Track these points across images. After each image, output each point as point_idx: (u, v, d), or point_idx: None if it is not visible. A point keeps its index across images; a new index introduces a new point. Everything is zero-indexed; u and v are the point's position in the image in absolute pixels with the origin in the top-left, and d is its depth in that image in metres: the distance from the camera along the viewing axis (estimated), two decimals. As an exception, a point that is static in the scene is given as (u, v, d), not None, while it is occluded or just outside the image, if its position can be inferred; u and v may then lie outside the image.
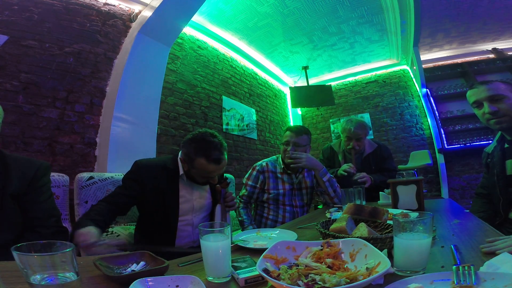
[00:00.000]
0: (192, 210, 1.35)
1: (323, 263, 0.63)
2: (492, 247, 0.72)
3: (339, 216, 0.94)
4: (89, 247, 0.88)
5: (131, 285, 0.55)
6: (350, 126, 2.12)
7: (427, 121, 4.61)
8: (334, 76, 5.33)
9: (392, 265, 0.64)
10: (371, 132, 4.99)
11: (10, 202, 0.95)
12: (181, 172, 1.32)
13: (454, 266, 0.54)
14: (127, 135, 2.30)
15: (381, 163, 2.23)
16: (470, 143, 4.23)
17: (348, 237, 0.72)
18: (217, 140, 1.23)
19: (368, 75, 5.21)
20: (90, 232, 0.94)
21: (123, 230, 1.47)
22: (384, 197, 1.84)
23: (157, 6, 2.41)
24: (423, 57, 4.51)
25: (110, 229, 1.42)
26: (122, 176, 1.38)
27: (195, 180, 1.32)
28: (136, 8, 2.70)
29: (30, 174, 1.01)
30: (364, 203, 1.55)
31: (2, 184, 0.94)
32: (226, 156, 1.26)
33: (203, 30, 3.54)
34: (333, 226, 0.87)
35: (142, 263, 0.75)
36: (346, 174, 2.06)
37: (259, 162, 1.95)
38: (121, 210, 1.25)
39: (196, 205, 1.37)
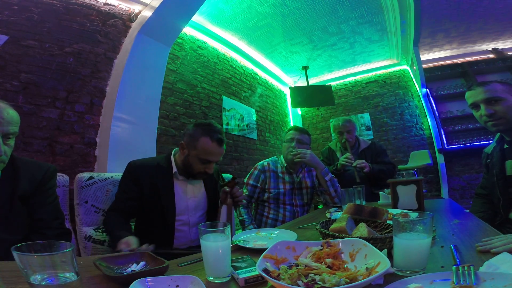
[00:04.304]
0: (187, 209, 1.35)
1: (323, 263, 0.63)
2: (487, 246, 0.72)
3: (339, 216, 0.94)
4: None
5: (131, 285, 0.55)
6: (338, 122, 2.41)
7: (427, 121, 4.61)
8: (334, 76, 5.33)
9: (392, 265, 0.64)
10: (371, 132, 5.00)
11: (19, 204, 0.97)
12: (174, 170, 1.34)
13: (454, 266, 0.54)
14: (127, 135, 2.30)
15: (376, 157, 2.35)
16: (470, 143, 4.24)
17: (348, 237, 0.72)
18: (220, 127, 1.34)
19: (368, 75, 5.21)
20: (130, 240, 1.00)
21: (123, 230, 1.47)
22: (384, 197, 1.84)
23: (157, 6, 2.41)
24: (423, 57, 4.51)
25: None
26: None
27: (191, 170, 1.31)
28: (136, 8, 2.70)
29: (38, 177, 1.03)
30: (364, 203, 1.56)
31: (12, 186, 0.96)
32: (224, 146, 1.34)
33: (203, 30, 3.54)
34: (333, 226, 0.87)
35: (142, 263, 0.75)
36: (346, 163, 2.21)
37: (261, 162, 1.97)
38: (131, 215, 1.31)
39: (190, 204, 1.37)
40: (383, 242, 0.71)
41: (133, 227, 1.46)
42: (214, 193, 1.46)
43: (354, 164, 2.18)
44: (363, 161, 2.20)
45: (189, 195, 1.38)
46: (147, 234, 1.33)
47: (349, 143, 2.35)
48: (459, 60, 4.62)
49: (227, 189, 1.34)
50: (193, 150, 1.28)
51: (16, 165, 1.00)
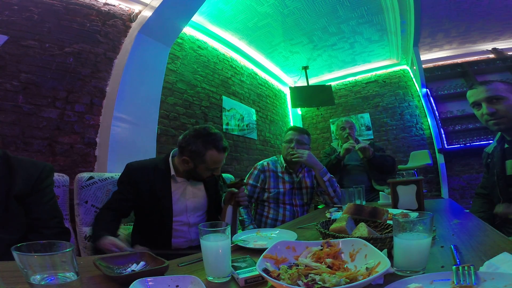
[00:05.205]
0: (186, 210, 1.35)
1: (323, 263, 0.63)
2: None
3: (339, 216, 0.94)
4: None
5: (131, 285, 0.55)
6: (340, 120, 2.66)
7: (427, 121, 4.61)
8: (334, 76, 5.33)
9: (392, 265, 0.64)
10: (371, 132, 5.00)
11: (14, 203, 0.96)
12: (172, 172, 1.33)
13: (454, 266, 0.54)
14: (127, 135, 2.30)
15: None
16: (470, 143, 4.23)
17: (348, 237, 0.72)
18: (217, 131, 1.33)
19: (368, 75, 5.21)
20: (113, 242, 1.03)
21: (123, 230, 1.47)
22: (384, 197, 1.85)
23: (157, 6, 2.41)
24: (423, 57, 4.51)
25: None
26: (122, 176, 1.38)
27: (199, 178, 1.34)
28: (136, 8, 2.70)
29: (34, 176, 1.02)
30: (364, 203, 1.56)
31: (7, 186, 0.95)
32: None
33: (203, 30, 3.54)
34: (333, 226, 0.87)
35: (142, 263, 0.75)
36: (350, 147, 2.32)
37: (261, 162, 1.97)
38: (123, 214, 1.30)
39: (189, 205, 1.36)
40: (383, 242, 0.71)
41: (131, 228, 1.47)
42: (214, 192, 1.45)
43: (357, 147, 2.29)
44: (365, 143, 2.32)
45: (188, 196, 1.37)
46: (146, 235, 1.34)
47: (351, 137, 2.50)
48: (459, 60, 4.62)
49: (235, 191, 1.33)
50: (201, 164, 1.28)
51: (11, 163, 0.98)
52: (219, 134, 1.31)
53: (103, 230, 1.11)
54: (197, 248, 0.72)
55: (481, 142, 4.10)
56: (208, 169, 1.30)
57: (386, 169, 2.31)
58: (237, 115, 3.99)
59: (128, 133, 2.30)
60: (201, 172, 1.31)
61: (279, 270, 0.60)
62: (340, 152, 2.38)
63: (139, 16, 2.65)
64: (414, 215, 0.69)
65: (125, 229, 1.49)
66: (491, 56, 4.43)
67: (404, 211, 1.24)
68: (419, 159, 4.08)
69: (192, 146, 1.26)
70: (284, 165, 1.92)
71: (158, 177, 1.31)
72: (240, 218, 1.84)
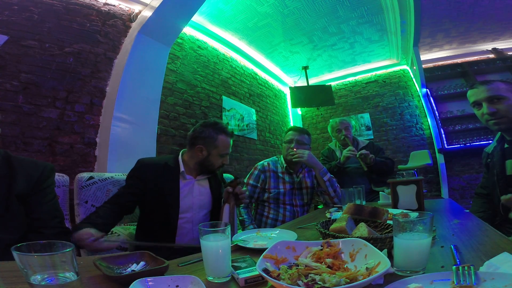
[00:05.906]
0: (191, 208, 1.37)
1: (323, 263, 0.63)
2: None
3: (339, 216, 0.94)
4: (90, 245, 0.95)
5: (131, 285, 0.55)
6: (334, 121, 2.60)
7: (427, 121, 4.60)
8: (334, 76, 5.33)
9: (392, 265, 0.64)
10: (371, 132, 5.00)
11: (15, 203, 0.96)
12: (181, 169, 1.38)
13: (454, 266, 0.54)
14: (127, 135, 2.30)
15: (375, 155, 2.41)
16: (470, 143, 4.23)
17: (348, 237, 0.72)
18: (221, 121, 1.51)
19: (368, 75, 5.21)
20: (88, 231, 0.97)
21: (123, 230, 1.47)
22: (384, 197, 1.85)
23: (157, 6, 2.41)
24: (423, 57, 4.51)
25: (110, 229, 1.41)
26: (122, 176, 1.39)
27: (212, 167, 1.41)
28: (136, 8, 2.70)
29: (35, 176, 1.02)
30: (364, 203, 1.56)
31: (8, 185, 0.95)
32: None
33: (203, 30, 3.54)
34: (333, 226, 0.87)
35: (142, 263, 0.75)
36: (350, 155, 2.32)
37: (261, 162, 1.97)
38: (126, 209, 1.29)
39: (195, 202, 1.39)
40: (383, 242, 0.72)
41: (134, 227, 1.47)
42: (218, 193, 1.48)
43: (358, 155, 2.28)
44: (368, 151, 2.30)
45: (195, 193, 1.40)
46: (150, 233, 1.34)
47: (348, 139, 2.48)
48: (459, 60, 4.62)
49: (230, 190, 1.35)
50: (214, 149, 1.39)
51: (12, 163, 0.98)
52: (223, 123, 1.47)
53: (85, 223, 1.08)
54: (198, 247, 0.72)
55: (481, 142, 4.10)
56: (220, 155, 1.40)
57: (386, 172, 2.32)
58: (237, 115, 3.99)
59: (128, 133, 2.30)
60: (213, 160, 1.39)
61: (279, 270, 0.60)
62: (340, 159, 2.40)
63: (139, 16, 2.65)
64: (414, 215, 0.69)
65: (125, 229, 1.49)
66: (491, 56, 4.43)
67: (404, 211, 1.24)
68: (419, 159, 4.07)
69: (204, 133, 1.40)
70: (285, 165, 1.92)
71: (168, 173, 1.36)
72: (240, 218, 1.84)
